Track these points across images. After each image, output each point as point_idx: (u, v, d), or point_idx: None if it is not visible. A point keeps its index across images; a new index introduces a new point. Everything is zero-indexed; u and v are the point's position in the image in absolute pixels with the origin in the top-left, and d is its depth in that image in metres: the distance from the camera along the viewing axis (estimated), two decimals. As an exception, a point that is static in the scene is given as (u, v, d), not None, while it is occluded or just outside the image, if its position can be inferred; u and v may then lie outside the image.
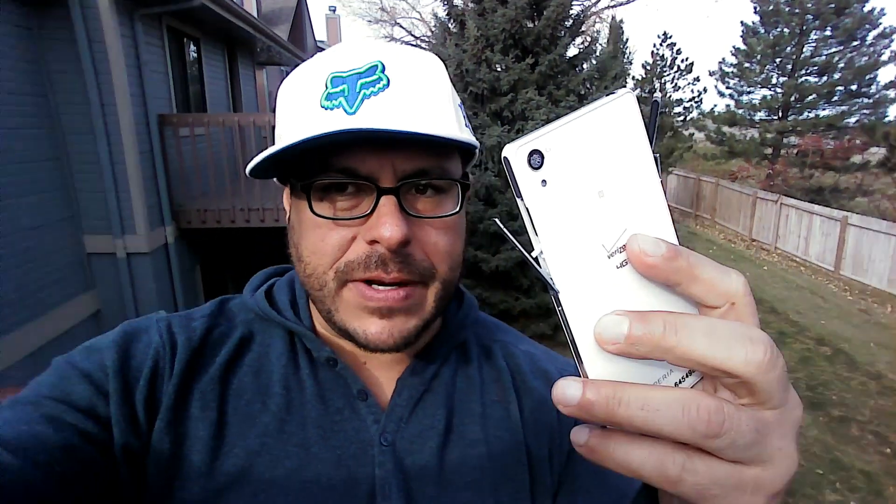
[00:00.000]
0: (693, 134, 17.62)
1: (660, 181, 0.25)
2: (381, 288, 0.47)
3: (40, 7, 4.45)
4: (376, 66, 0.47)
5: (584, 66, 6.95)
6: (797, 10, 14.82)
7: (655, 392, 0.22)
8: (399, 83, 0.47)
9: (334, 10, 24.03)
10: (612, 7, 18.02)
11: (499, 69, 6.55)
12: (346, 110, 0.46)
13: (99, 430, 0.45)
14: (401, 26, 20.68)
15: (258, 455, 0.49)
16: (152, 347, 0.50)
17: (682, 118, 18.34)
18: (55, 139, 4.67)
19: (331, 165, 0.46)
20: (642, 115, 0.25)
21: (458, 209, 0.49)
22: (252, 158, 0.48)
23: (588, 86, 6.85)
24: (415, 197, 0.48)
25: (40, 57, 4.53)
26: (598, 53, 7.15)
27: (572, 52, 6.90)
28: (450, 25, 7.10)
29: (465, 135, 0.50)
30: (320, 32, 21.21)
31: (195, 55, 6.98)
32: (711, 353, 0.22)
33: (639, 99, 0.25)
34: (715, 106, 23.55)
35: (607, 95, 0.25)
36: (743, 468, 0.23)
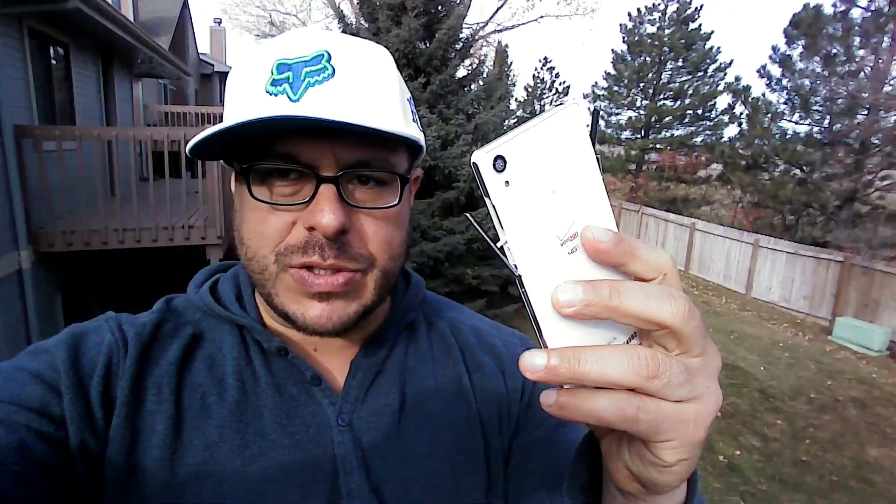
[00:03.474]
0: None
1: (602, 178, 0.29)
2: (321, 273, 0.48)
3: None
4: (322, 55, 0.47)
5: (472, 86, 7.43)
6: (656, 43, 17.56)
7: (605, 349, 0.27)
8: (344, 73, 0.47)
9: (220, 23, 22.80)
10: (498, 31, 19.25)
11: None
12: (289, 97, 0.46)
13: (54, 429, 0.44)
14: (290, 40, 20.20)
15: (217, 447, 0.49)
16: (105, 345, 0.50)
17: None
18: None
19: (271, 151, 0.47)
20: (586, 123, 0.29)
21: (397, 202, 0.50)
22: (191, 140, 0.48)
23: (476, 105, 7.32)
24: (356, 187, 0.48)
25: None
26: (484, 75, 7.65)
27: (461, 73, 7.35)
28: (343, 43, 7.20)
29: (411, 130, 0.51)
30: (203, 45, 20.10)
31: (63, 62, 6.43)
32: (647, 308, 0.26)
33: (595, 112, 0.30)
34: (589, 126, 25.96)
35: (557, 106, 0.29)
36: (683, 405, 0.28)
